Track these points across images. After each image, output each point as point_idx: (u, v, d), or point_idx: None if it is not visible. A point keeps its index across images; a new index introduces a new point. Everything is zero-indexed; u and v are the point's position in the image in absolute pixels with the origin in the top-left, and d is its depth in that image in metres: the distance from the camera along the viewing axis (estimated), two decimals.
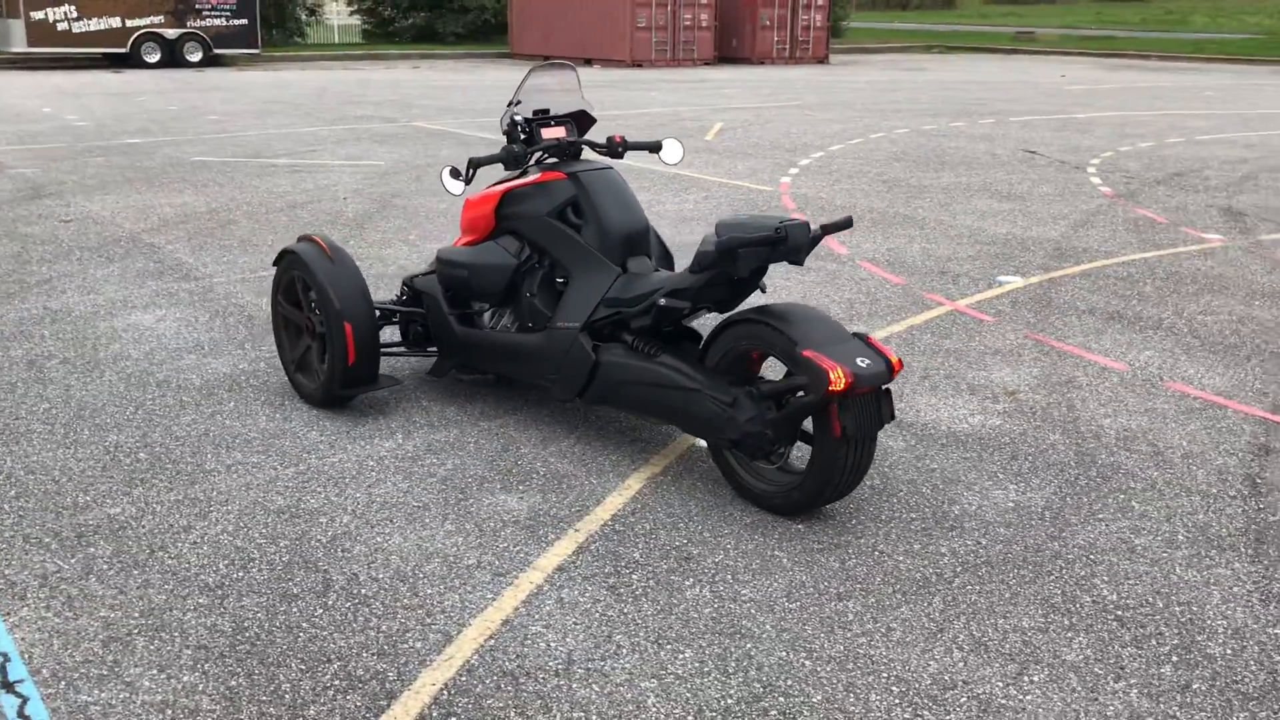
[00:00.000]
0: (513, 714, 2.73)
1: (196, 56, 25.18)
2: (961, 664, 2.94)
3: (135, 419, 4.51)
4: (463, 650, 2.98)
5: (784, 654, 2.98)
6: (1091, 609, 3.21)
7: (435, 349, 4.74)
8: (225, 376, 5.01)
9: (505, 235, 4.49)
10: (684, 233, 7.91)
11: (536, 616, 3.14)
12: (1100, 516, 3.76)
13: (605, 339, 4.15)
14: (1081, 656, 2.98)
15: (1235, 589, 3.31)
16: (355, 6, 36.00)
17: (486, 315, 4.60)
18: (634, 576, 3.36)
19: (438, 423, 4.51)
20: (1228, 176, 10.58)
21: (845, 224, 3.69)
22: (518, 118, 4.43)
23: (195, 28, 25.16)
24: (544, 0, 28.83)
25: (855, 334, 3.58)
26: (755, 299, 5.37)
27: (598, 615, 3.15)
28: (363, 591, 3.27)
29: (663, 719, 2.72)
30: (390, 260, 7.14)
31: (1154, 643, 3.04)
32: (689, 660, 2.95)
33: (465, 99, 18.11)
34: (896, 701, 2.78)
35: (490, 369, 4.49)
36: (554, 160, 4.45)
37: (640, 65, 26.92)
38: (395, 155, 11.63)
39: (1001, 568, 3.43)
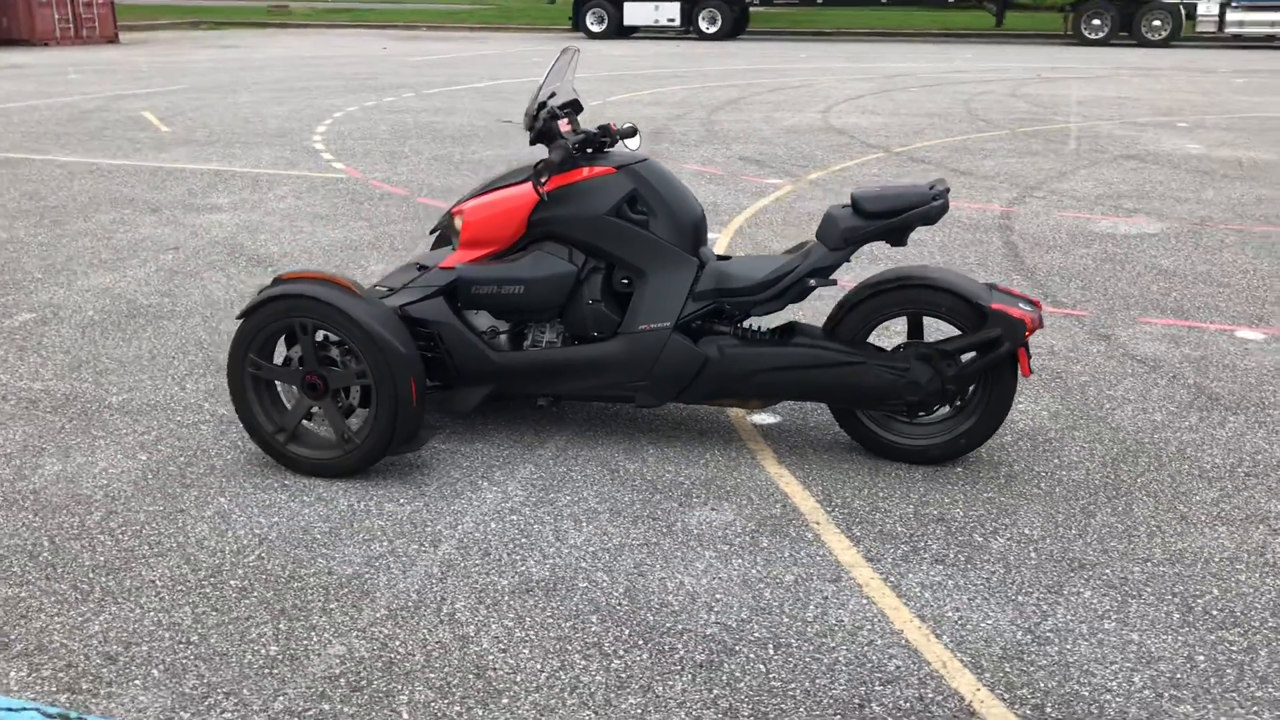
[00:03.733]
0: (1093, 693, 2.81)
1: None
2: (1265, 541, 3.55)
3: (140, 549, 3.41)
4: (947, 659, 2.93)
5: (1152, 568, 3.35)
6: (1230, 470, 3.97)
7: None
8: (147, 472, 3.90)
9: (542, 241, 4.07)
10: (322, 228, 7.31)
11: (942, 608, 3.15)
12: (1108, 408, 4.55)
13: (692, 334, 4.03)
14: None
15: (1259, 429, 4.28)
16: None
17: (504, 336, 4.15)
18: (936, 547, 3.47)
19: (497, 463, 4.01)
20: (686, 131, 12.04)
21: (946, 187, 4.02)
22: (559, 111, 4.02)
23: None
24: None
25: (988, 284, 3.95)
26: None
27: (979, 588, 3.24)
28: (768, 636, 3.00)
29: (1186, 647, 2.98)
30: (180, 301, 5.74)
31: None
32: (1103, 598, 3.20)
33: None
34: None
35: (545, 391, 4.07)
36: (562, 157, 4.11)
37: None
38: None
39: (1130, 460, 4.06)
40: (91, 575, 3.25)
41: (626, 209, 4.00)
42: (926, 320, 4.76)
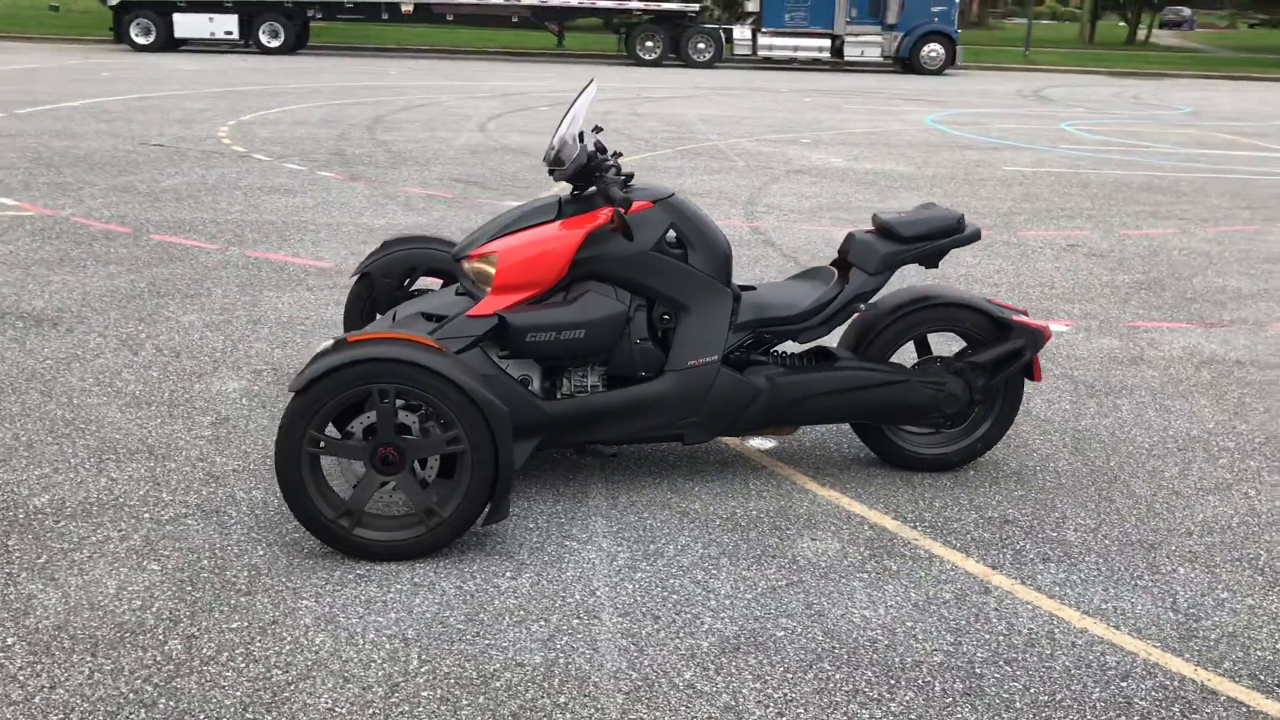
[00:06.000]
0: (1276, 656, 3.19)
1: None
2: (1251, 505, 4.13)
3: (274, 675, 2.88)
4: (1143, 648, 3.18)
5: (1199, 539, 3.82)
6: (1163, 447, 4.58)
7: None
8: (181, 584, 3.27)
9: (585, 281, 3.86)
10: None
11: (1092, 602, 3.41)
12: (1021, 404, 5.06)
13: (734, 365, 4.03)
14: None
15: (1147, 409, 4.97)
16: None
17: (538, 384, 3.90)
18: (1030, 548, 3.73)
19: (562, 520, 3.77)
20: (366, 153, 11.58)
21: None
22: (604, 145, 3.81)
23: None
24: None
25: (984, 298, 4.29)
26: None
27: (1100, 580, 3.53)
28: (989, 654, 3.11)
29: None
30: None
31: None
32: (1193, 572, 3.61)
33: None
34: None
35: (595, 438, 3.87)
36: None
37: None
38: None
39: (1087, 446, 4.57)
40: (247, 715, 2.70)
41: (665, 244, 3.90)
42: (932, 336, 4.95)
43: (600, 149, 3.82)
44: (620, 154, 3.95)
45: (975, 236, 4.07)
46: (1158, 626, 3.26)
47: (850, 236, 4.11)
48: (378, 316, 4.72)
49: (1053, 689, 2.94)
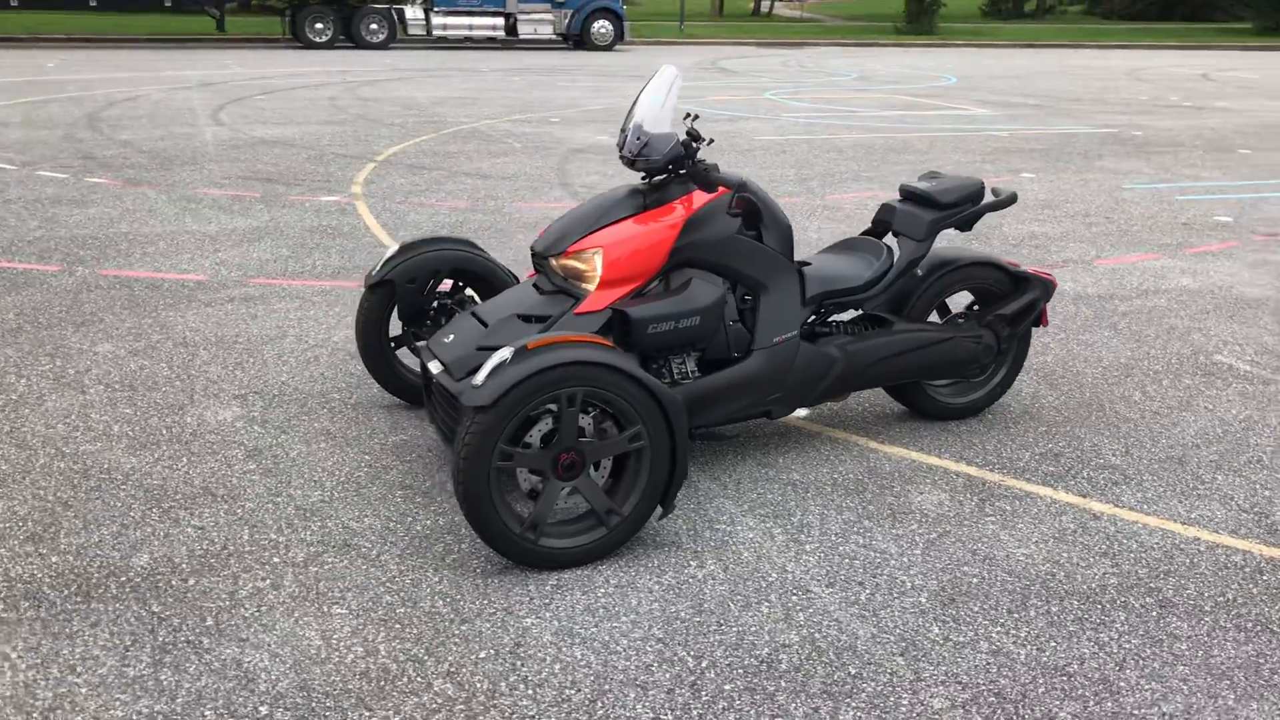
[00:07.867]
0: None
1: None
2: (1235, 415, 4.76)
3: (563, 699, 2.81)
4: (1251, 546, 3.67)
5: (1213, 446, 4.39)
6: (1114, 374, 5.18)
7: None
8: (384, 623, 3.07)
9: (680, 269, 3.87)
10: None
11: (1177, 513, 3.85)
12: None
13: (807, 338, 4.19)
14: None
15: (1071, 344, 5.59)
16: None
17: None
18: (1095, 476, 4.15)
19: (705, 503, 3.82)
20: (117, 155, 10.62)
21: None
22: (698, 133, 3.81)
23: None
24: None
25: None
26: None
27: (1167, 495, 3.99)
28: (1148, 572, 3.48)
29: None
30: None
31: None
32: (1230, 477, 4.16)
33: None
34: None
35: (698, 422, 3.91)
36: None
37: None
38: None
39: (1060, 382, 5.09)
40: None
41: (743, 225, 3.99)
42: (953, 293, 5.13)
43: (695, 137, 3.83)
44: (712, 140, 3.98)
45: (1013, 200, 4.41)
46: (1244, 526, 3.74)
47: (888, 207, 4.34)
48: (395, 320, 4.49)
49: (1219, 589, 3.33)
